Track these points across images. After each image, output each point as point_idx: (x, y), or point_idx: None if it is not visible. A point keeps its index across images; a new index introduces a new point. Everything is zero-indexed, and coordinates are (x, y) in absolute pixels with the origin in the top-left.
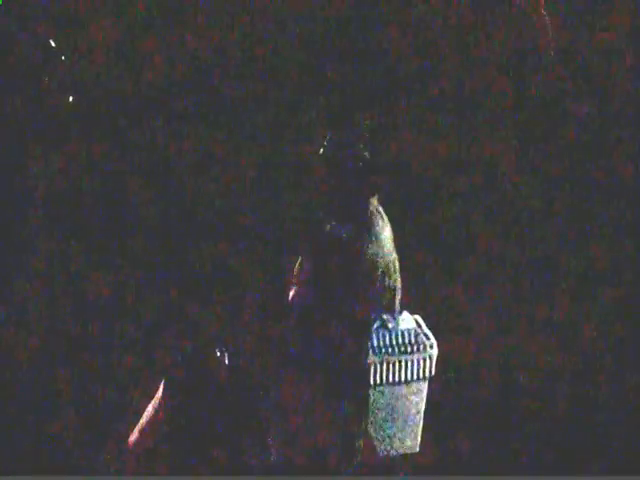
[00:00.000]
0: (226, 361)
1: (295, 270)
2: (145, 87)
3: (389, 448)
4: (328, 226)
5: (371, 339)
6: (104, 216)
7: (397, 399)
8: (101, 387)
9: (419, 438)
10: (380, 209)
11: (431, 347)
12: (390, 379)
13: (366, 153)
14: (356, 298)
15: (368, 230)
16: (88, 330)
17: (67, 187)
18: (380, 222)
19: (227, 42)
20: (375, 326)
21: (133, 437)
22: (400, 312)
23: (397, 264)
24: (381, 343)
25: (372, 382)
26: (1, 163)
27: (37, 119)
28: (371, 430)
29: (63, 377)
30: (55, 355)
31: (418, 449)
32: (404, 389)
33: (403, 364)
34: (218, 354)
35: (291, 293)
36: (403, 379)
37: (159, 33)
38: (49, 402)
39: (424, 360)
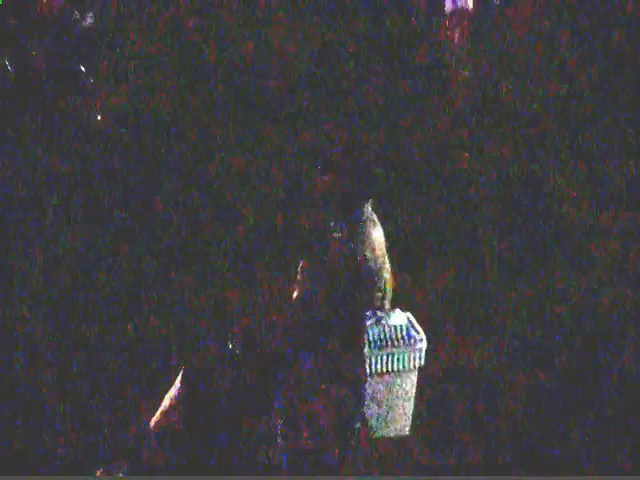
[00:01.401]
0: (237, 351)
1: (298, 269)
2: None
3: (383, 431)
4: (327, 230)
5: (367, 333)
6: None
7: (390, 387)
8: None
9: (409, 422)
10: (373, 214)
11: (421, 341)
12: (384, 369)
13: (362, 163)
14: (352, 296)
15: (362, 234)
16: (107, 318)
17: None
18: (373, 226)
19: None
20: (370, 322)
21: (154, 421)
22: (393, 309)
23: (388, 265)
24: (376, 337)
25: (368, 372)
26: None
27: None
28: (367, 415)
29: (81, 366)
30: (73, 342)
31: (408, 432)
32: (396, 378)
33: (396, 356)
34: (230, 346)
35: (294, 291)
36: (396, 369)
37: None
38: (67, 393)
39: (414, 352)
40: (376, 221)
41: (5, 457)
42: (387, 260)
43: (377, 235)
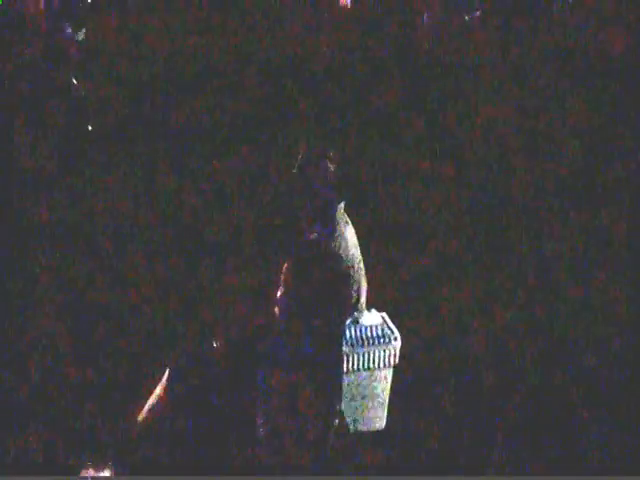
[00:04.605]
0: (220, 349)
1: (282, 272)
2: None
3: (359, 425)
4: (304, 233)
5: (344, 332)
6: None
7: (366, 384)
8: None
9: (385, 417)
10: (345, 215)
11: (395, 339)
12: (360, 367)
13: (333, 168)
14: (331, 297)
15: (336, 235)
16: (96, 323)
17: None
18: (345, 228)
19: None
20: (348, 322)
21: (141, 418)
22: (369, 310)
23: (363, 266)
24: (353, 336)
25: (345, 369)
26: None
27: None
28: (344, 410)
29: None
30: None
31: (383, 426)
32: (372, 375)
33: (371, 354)
34: (214, 345)
35: (278, 292)
36: (371, 367)
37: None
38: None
39: (389, 350)
40: (349, 222)
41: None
42: (362, 262)
43: (351, 237)
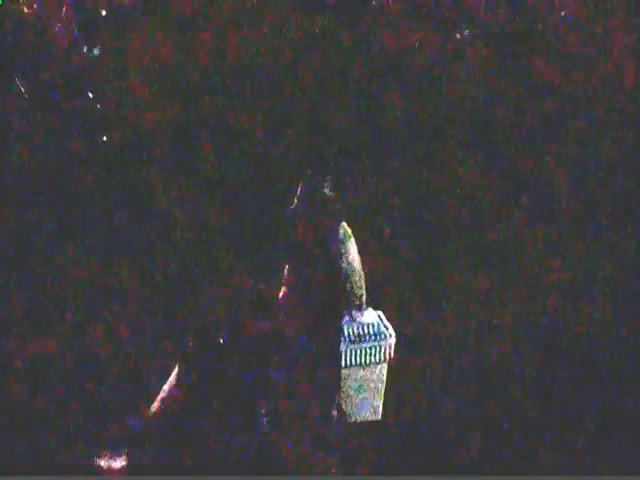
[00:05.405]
0: (226, 343)
1: (285, 274)
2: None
3: (357, 417)
4: (309, 239)
5: (343, 330)
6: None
7: (363, 378)
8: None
9: (381, 408)
10: (347, 228)
11: (390, 336)
12: (358, 362)
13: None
14: (331, 298)
15: (339, 245)
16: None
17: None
18: (347, 236)
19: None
20: (346, 319)
21: (153, 409)
22: (366, 308)
23: (362, 269)
24: (351, 333)
25: (344, 364)
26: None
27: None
28: (343, 403)
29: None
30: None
31: (380, 417)
32: (369, 370)
33: (368, 350)
34: (221, 341)
35: (281, 293)
36: (368, 362)
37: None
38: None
39: (384, 346)
40: (351, 235)
41: (7, 451)
42: (361, 265)
43: (353, 249)
